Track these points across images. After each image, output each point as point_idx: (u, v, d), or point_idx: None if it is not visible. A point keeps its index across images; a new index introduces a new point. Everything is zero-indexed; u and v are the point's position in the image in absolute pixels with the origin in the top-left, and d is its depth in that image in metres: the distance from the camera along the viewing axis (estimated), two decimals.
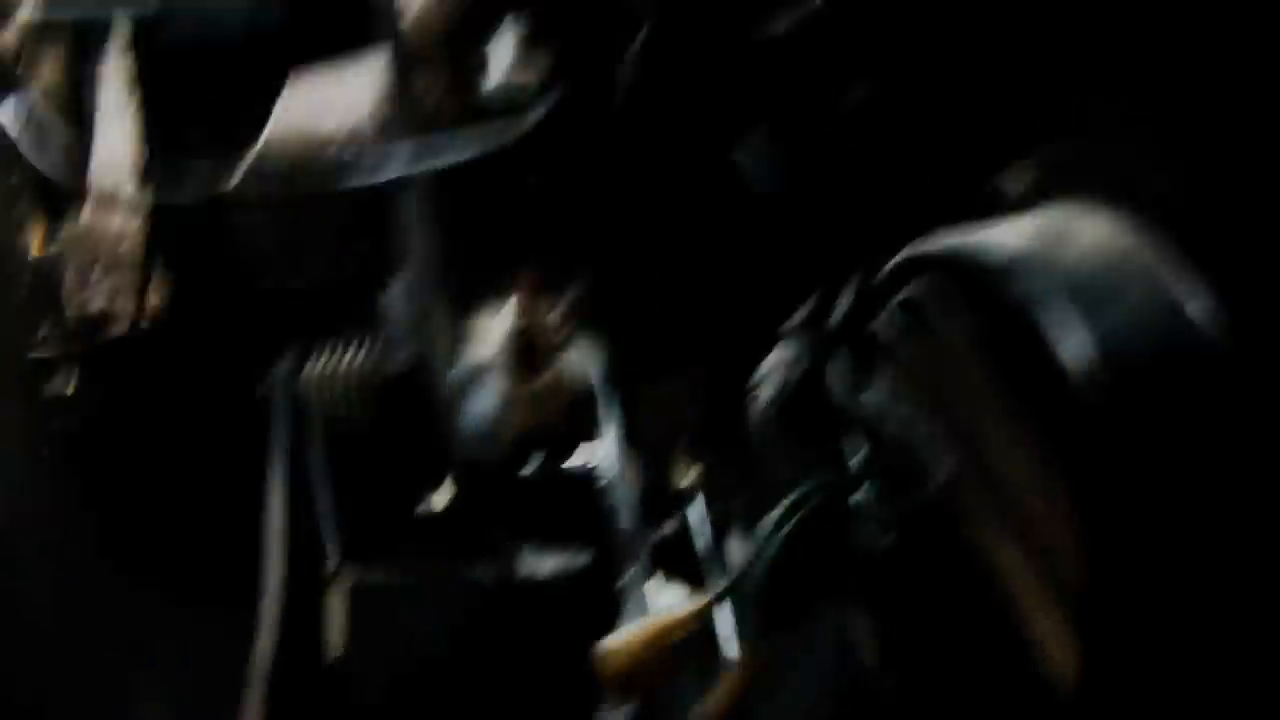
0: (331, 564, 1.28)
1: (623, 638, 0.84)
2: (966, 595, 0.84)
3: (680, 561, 1.18)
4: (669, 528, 1.24)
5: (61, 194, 1.52)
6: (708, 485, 1.24)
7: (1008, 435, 0.75)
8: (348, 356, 1.33)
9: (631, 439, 1.26)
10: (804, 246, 1.09)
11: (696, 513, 1.24)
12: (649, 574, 1.17)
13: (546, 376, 1.16)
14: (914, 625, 0.98)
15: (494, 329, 1.18)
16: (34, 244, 1.51)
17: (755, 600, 0.82)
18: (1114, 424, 0.68)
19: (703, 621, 0.86)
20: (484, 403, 1.16)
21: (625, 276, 1.24)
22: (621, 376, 1.23)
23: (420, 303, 1.22)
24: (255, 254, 1.44)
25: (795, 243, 1.09)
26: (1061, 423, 0.70)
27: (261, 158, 1.43)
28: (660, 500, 1.24)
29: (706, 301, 1.22)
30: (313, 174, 1.39)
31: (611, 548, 1.23)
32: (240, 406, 1.33)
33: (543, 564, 1.27)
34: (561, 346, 1.16)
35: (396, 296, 1.29)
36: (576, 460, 1.23)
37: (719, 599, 0.84)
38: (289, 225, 1.44)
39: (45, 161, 1.51)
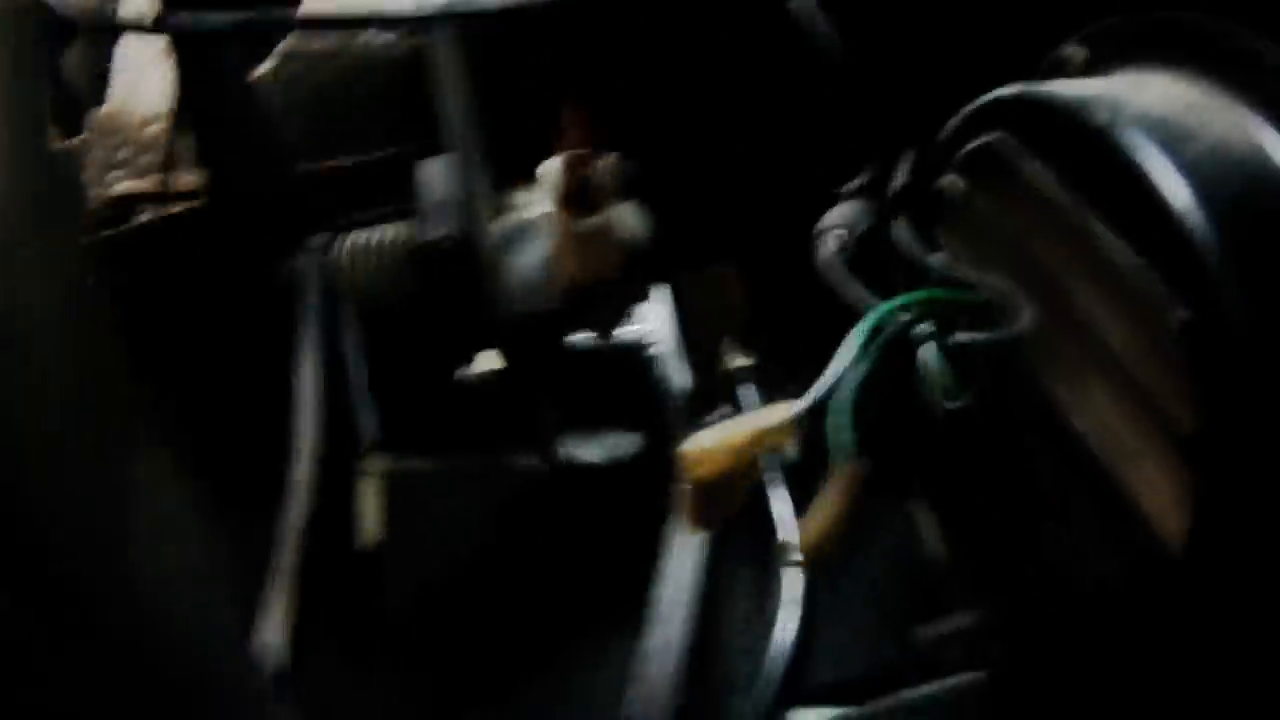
0: (365, 449, 1.19)
1: (712, 440, 0.76)
2: (1048, 456, 0.78)
3: None
4: (720, 413, 1.15)
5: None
6: (759, 371, 1.16)
7: (1097, 276, 0.72)
8: (382, 232, 1.25)
9: (680, 321, 1.18)
10: (860, 110, 1.05)
11: (749, 398, 1.16)
12: None
13: (598, 219, 1.07)
14: (986, 492, 0.90)
15: (543, 174, 1.09)
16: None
17: (851, 411, 0.74)
18: (1218, 253, 0.65)
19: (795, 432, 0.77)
20: (532, 253, 1.07)
21: (674, 144, 1.16)
22: (669, 255, 1.14)
23: (461, 169, 1.13)
24: (287, 134, 1.37)
25: (851, 106, 1.05)
26: (1164, 252, 0.67)
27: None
28: (709, 385, 1.16)
29: (757, 173, 1.14)
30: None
31: (662, 431, 1.14)
32: (269, 288, 1.25)
33: (590, 449, 1.18)
34: (613, 191, 1.07)
35: (433, 168, 1.20)
36: (626, 333, 1.14)
37: (814, 407, 0.75)
38: (321, 104, 1.38)
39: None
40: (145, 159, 1.44)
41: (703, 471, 0.77)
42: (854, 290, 0.86)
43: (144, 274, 1.35)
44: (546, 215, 1.09)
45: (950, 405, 0.80)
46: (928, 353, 0.80)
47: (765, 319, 1.22)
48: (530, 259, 1.08)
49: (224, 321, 1.30)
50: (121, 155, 1.46)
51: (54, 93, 1.45)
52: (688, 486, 0.78)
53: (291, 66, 1.42)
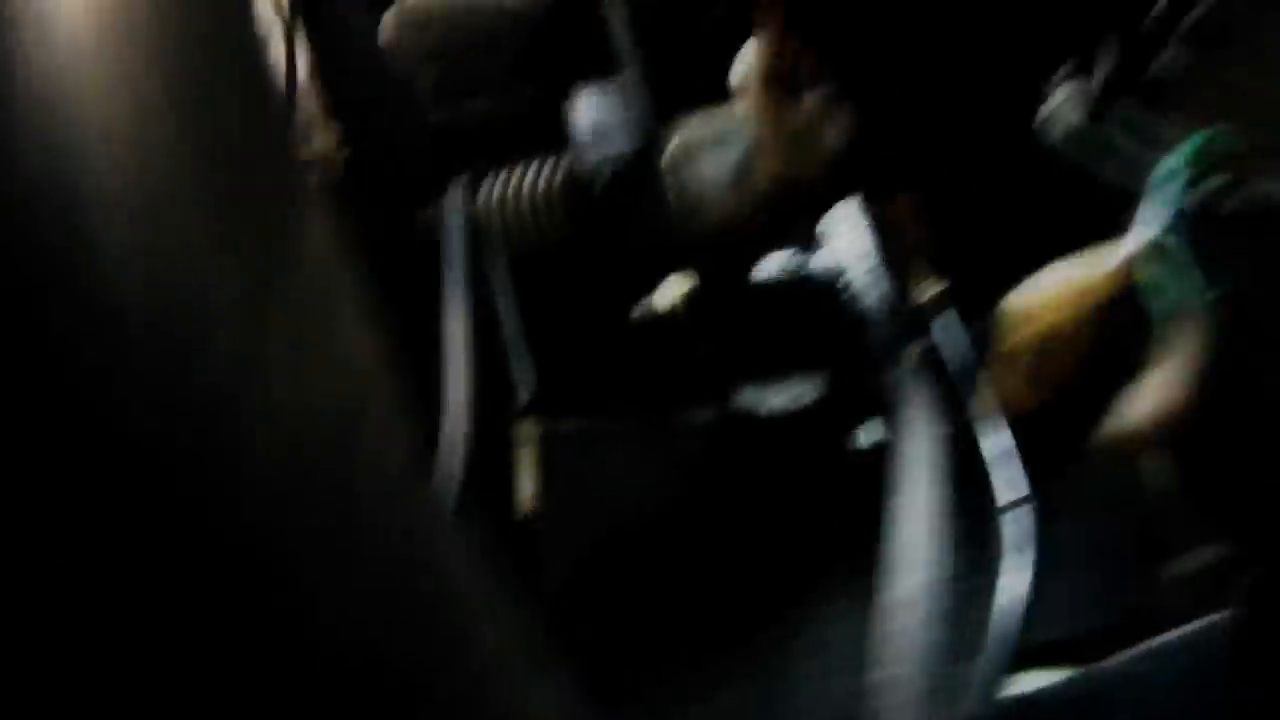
0: (521, 408, 1.08)
1: (1034, 296, 0.63)
2: None
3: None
4: (917, 348, 1.02)
5: None
6: (955, 300, 1.03)
7: None
8: (529, 171, 1.14)
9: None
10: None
11: (947, 331, 1.02)
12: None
13: (804, 110, 0.94)
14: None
15: (740, 61, 0.97)
16: None
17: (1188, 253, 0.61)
18: None
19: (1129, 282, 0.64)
20: (728, 153, 0.95)
21: (872, 53, 1.04)
22: (865, 172, 1.02)
23: (626, 93, 1.02)
24: (423, 87, 1.28)
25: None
26: None
27: None
28: (901, 318, 1.02)
29: (956, 90, 1.02)
30: None
31: (858, 369, 1.01)
32: (412, 241, 1.15)
33: (772, 399, 1.05)
34: (815, 83, 0.94)
35: (588, 98, 1.10)
36: (819, 261, 1.01)
37: (1150, 250, 0.62)
38: (450, 50, 1.29)
39: None
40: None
41: (1031, 330, 0.64)
42: (1117, 156, 0.73)
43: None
44: (745, 108, 0.96)
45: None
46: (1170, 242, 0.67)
47: (950, 251, 1.10)
48: (725, 159, 0.96)
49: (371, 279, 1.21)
50: None
51: None
52: (1010, 351, 0.65)
53: (424, 11, 1.34)
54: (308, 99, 1.30)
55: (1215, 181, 0.65)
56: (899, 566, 0.84)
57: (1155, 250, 0.62)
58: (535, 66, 1.24)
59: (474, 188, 1.16)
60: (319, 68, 1.25)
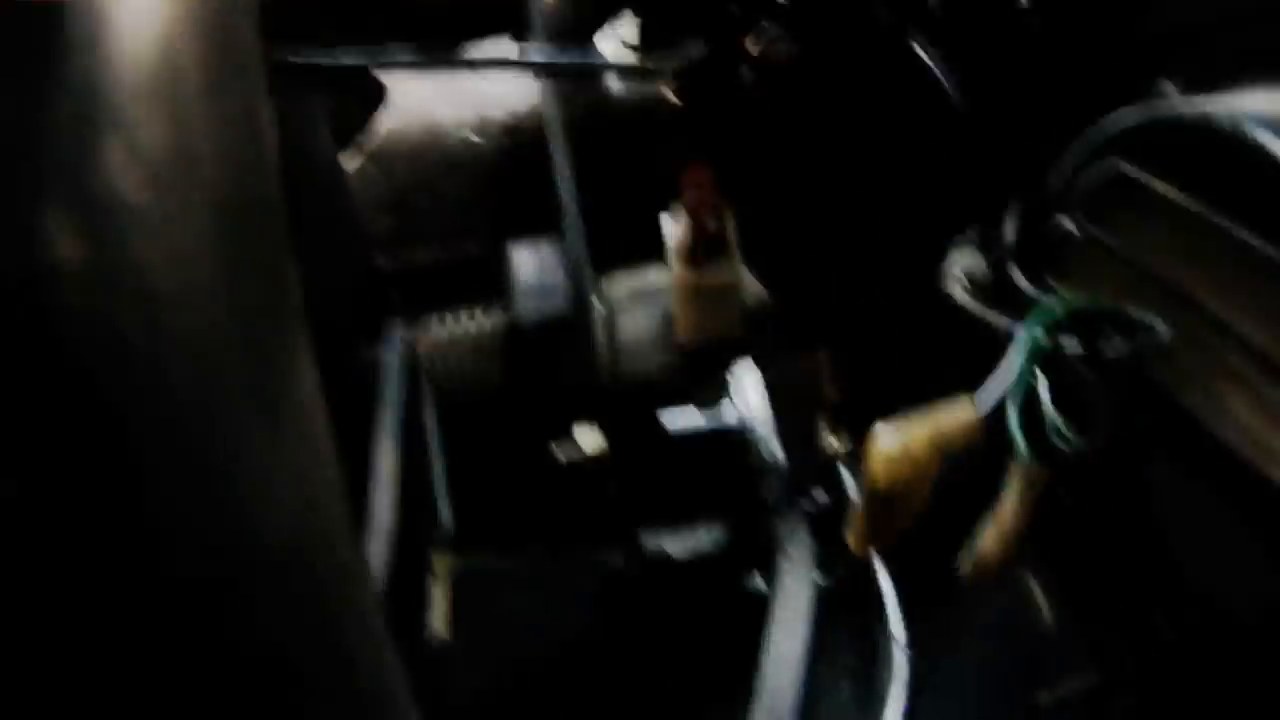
0: (439, 544, 1.14)
1: (900, 435, 0.71)
2: (1191, 478, 0.74)
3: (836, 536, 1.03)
4: (821, 498, 1.10)
5: None
6: (856, 457, 1.12)
7: (1238, 281, 0.72)
8: (468, 321, 1.23)
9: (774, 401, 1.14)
10: (976, 159, 1.02)
11: (846, 479, 1.11)
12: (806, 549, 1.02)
13: (723, 273, 1.04)
14: (1108, 539, 0.85)
15: (665, 226, 1.07)
16: None
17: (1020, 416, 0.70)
18: None
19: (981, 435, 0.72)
20: (651, 310, 1.04)
21: (787, 209, 1.14)
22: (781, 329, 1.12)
23: (567, 248, 1.11)
24: (371, 232, 1.37)
25: (967, 156, 1.03)
26: None
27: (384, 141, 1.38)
28: (806, 469, 1.11)
29: (867, 248, 1.12)
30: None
31: (759, 520, 1.09)
32: (350, 377, 1.22)
33: (680, 543, 1.13)
34: (736, 248, 1.04)
35: (525, 252, 1.19)
36: (725, 415, 1.10)
37: (1000, 408, 0.71)
38: (405, 201, 1.38)
39: None
40: None
41: (887, 478, 0.72)
42: (998, 316, 0.83)
43: None
44: (668, 270, 1.06)
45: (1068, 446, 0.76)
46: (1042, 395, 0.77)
47: (855, 403, 1.19)
48: (648, 316, 1.05)
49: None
50: None
51: None
52: (868, 494, 0.74)
53: (377, 165, 1.43)
54: None
55: (1066, 341, 0.74)
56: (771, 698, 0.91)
57: (1008, 396, 0.71)
58: (484, 215, 1.33)
59: (414, 331, 1.24)
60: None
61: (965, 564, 0.77)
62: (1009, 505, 0.74)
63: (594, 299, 1.08)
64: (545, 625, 1.15)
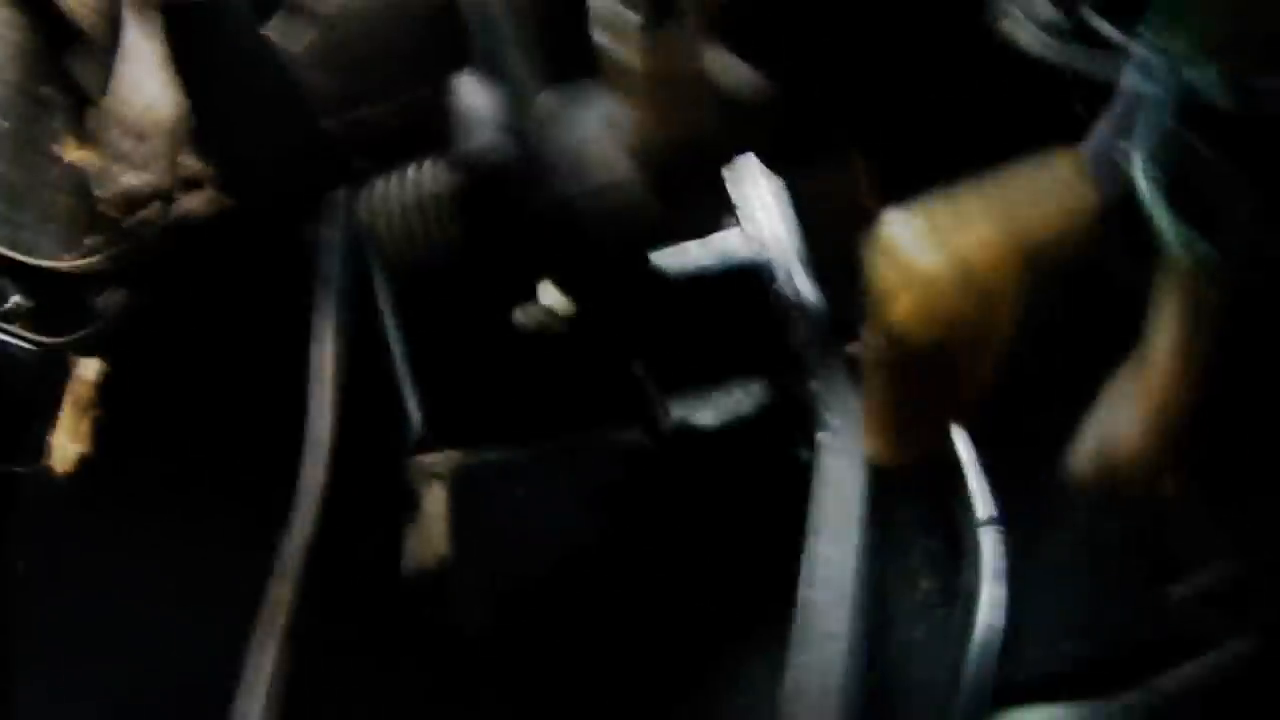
0: (415, 443, 0.94)
1: (942, 234, 0.44)
2: None
3: None
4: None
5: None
6: None
7: None
8: (411, 173, 1.00)
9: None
10: None
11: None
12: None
13: (689, 59, 0.76)
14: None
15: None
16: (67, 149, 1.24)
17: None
18: None
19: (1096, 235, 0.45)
20: (590, 115, 0.79)
21: None
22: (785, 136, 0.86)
23: (509, 75, 0.87)
24: (305, 90, 1.15)
25: None
26: None
27: None
28: (844, 308, 0.86)
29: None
30: None
31: (792, 372, 0.86)
32: (289, 258, 1.01)
33: (704, 409, 0.90)
34: (711, 23, 0.77)
35: (470, 83, 0.95)
36: (731, 245, 0.86)
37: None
38: (348, 56, 1.15)
39: None
40: (149, 147, 1.23)
41: (925, 323, 0.45)
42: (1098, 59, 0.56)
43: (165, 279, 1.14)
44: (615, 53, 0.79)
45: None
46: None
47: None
48: (590, 118, 0.80)
49: (244, 304, 1.07)
50: (125, 147, 1.25)
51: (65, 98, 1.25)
52: (889, 359, 0.46)
53: (312, 20, 1.21)
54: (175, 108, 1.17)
55: (1210, 74, 0.47)
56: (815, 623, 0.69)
57: (1138, 178, 0.44)
58: (427, 63, 1.09)
59: (356, 197, 1.02)
60: (186, 71, 1.11)
61: (1082, 463, 0.51)
62: (1161, 356, 0.47)
63: (530, 120, 0.84)
64: (556, 523, 0.95)
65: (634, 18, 0.73)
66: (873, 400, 0.50)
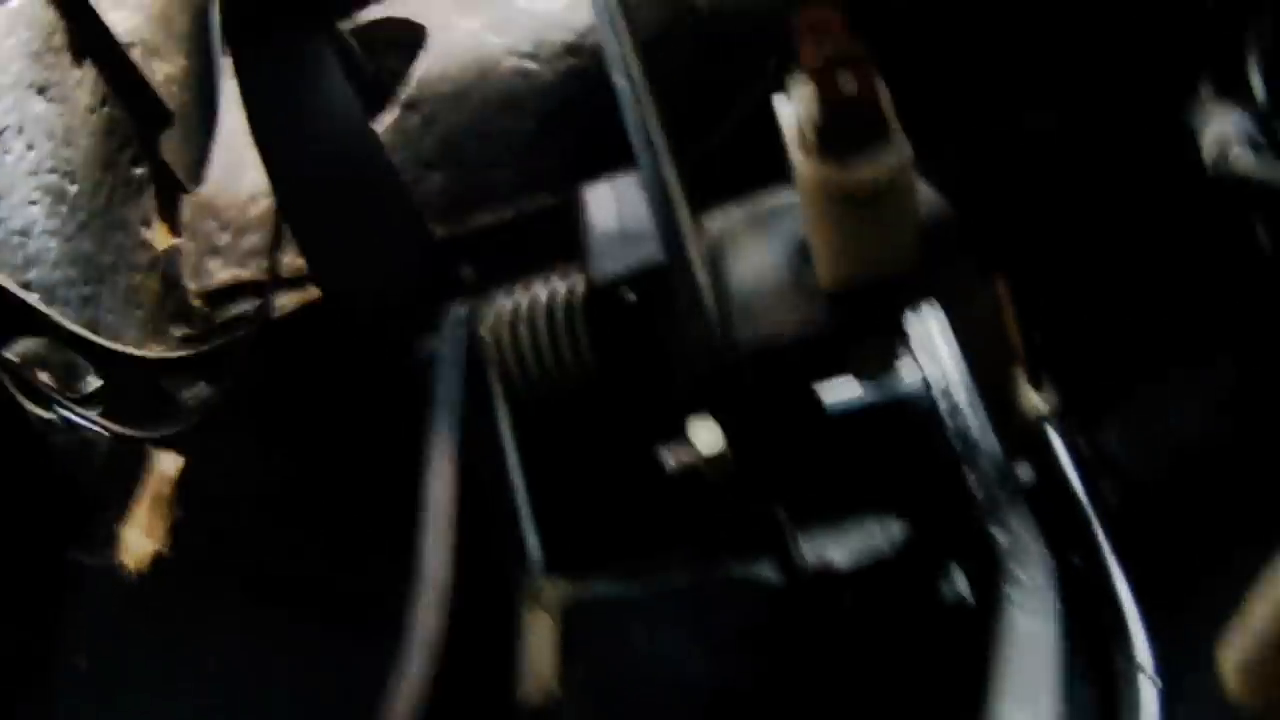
0: (531, 573, 0.88)
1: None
2: None
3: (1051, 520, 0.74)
4: (1022, 473, 0.81)
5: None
6: (1068, 412, 0.83)
7: None
8: (541, 290, 0.96)
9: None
10: None
11: (1060, 450, 0.82)
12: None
13: (871, 164, 0.71)
14: None
15: (782, 109, 0.75)
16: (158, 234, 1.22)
17: None
18: None
19: None
20: (775, 246, 0.74)
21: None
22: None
23: (649, 185, 0.83)
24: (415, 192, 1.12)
25: None
26: None
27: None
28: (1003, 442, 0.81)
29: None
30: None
31: (949, 514, 0.80)
32: (402, 376, 0.97)
33: (844, 547, 0.85)
34: (891, 125, 0.72)
35: (602, 192, 0.92)
36: (900, 380, 0.81)
37: None
38: (456, 152, 1.13)
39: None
40: (248, 242, 1.20)
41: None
42: None
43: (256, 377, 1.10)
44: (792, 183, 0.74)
45: None
46: None
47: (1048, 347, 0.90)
48: (774, 249, 0.75)
49: (353, 420, 1.02)
50: (222, 241, 1.22)
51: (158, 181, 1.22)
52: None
53: (417, 114, 1.18)
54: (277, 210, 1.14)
55: None
56: None
57: None
58: (551, 157, 1.06)
59: (477, 310, 0.98)
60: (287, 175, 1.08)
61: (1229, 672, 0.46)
62: None
63: (689, 238, 0.80)
64: (680, 665, 0.89)
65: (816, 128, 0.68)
66: None
